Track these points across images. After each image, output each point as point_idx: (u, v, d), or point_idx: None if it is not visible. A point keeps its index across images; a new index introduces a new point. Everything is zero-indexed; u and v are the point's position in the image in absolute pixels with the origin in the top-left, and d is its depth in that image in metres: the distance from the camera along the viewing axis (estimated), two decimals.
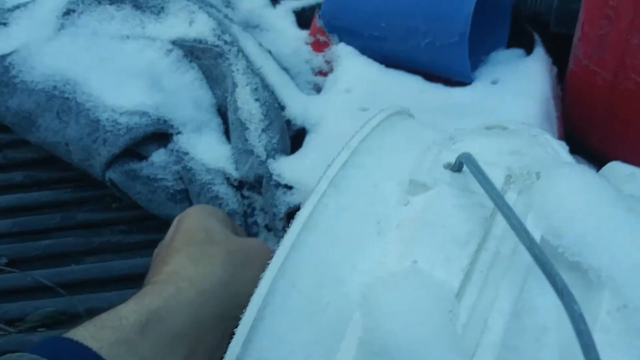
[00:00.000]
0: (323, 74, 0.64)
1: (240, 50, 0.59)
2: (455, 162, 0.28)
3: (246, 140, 0.54)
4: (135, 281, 0.43)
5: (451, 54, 0.56)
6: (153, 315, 0.36)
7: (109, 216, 0.64)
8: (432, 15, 0.56)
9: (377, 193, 0.29)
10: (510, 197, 0.27)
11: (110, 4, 0.65)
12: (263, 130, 0.54)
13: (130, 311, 0.36)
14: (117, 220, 0.63)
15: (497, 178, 0.27)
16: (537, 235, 0.25)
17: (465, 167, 0.27)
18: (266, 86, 0.58)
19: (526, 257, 0.23)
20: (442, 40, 0.56)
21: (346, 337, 0.23)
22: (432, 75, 0.60)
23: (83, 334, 0.34)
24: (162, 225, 0.58)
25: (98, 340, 0.33)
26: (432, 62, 0.58)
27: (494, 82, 0.57)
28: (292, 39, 0.67)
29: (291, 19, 0.69)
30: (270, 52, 0.65)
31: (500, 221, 0.25)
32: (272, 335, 0.23)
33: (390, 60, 0.61)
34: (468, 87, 0.57)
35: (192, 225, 0.44)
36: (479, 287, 0.23)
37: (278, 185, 0.51)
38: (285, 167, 0.52)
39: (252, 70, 0.58)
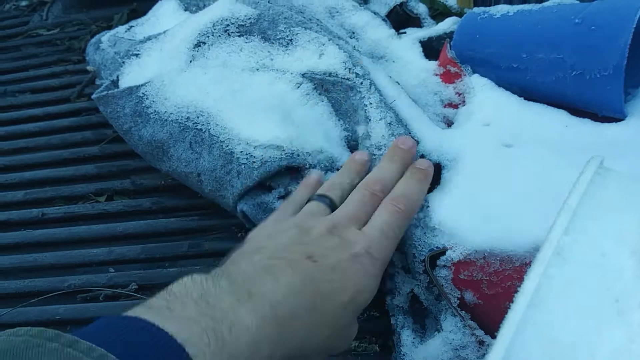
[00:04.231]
0: (453, 106, 0.62)
1: (372, 83, 0.58)
2: None
3: None
4: None
5: (603, 87, 0.52)
6: None
7: (235, 246, 0.64)
8: (582, 46, 0.53)
9: (608, 263, 0.26)
10: None
11: (239, 36, 0.66)
12: None
13: None
14: None
15: None
16: None
17: None
18: (400, 120, 0.56)
19: None
20: (593, 73, 0.52)
21: None
22: (575, 109, 0.56)
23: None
24: None
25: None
26: (578, 95, 0.55)
27: None
28: (420, 70, 0.65)
29: (417, 49, 0.67)
30: (398, 83, 0.63)
31: None
32: None
33: (529, 93, 0.58)
34: (621, 124, 0.53)
35: None
36: None
37: (418, 225, 0.49)
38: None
39: (385, 104, 0.57)
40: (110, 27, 1.07)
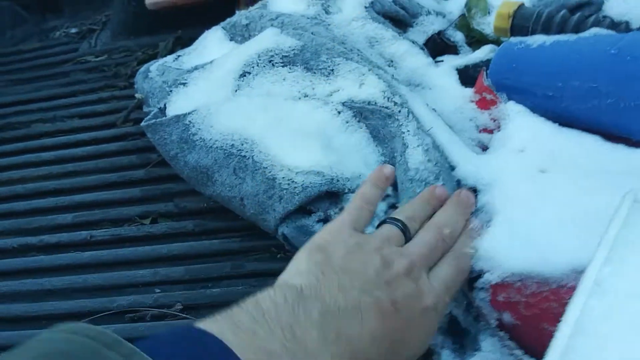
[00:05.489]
0: (488, 131, 0.64)
1: (410, 111, 0.60)
2: None
3: None
4: None
5: (637, 115, 0.53)
6: None
7: (275, 266, 0.66)
8: (618, 76, 0.54)
9: None
10: None
11: (283, 66, 0.69)
12: None
13: None
14: (283, 270, 0.65)
15: None
16: None
17: None
18: (437, 146, 0.58)
19: None
20: (628, 102, 0.53)
21: None
22: (610, 134, 0.57)
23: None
24: None
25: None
26: (612, 123, 0.56)
27: None
28: (456, 97, 0.67)
29: (454, 77, 0.69)
30: (434, 110, 0.65)
31: None
32: None
33: (563, 119, 0.59)
34: None
35: None
36: None
37: None
38: None
39: (423, 130, 0.59)
40: (155, 54, 1.12)
